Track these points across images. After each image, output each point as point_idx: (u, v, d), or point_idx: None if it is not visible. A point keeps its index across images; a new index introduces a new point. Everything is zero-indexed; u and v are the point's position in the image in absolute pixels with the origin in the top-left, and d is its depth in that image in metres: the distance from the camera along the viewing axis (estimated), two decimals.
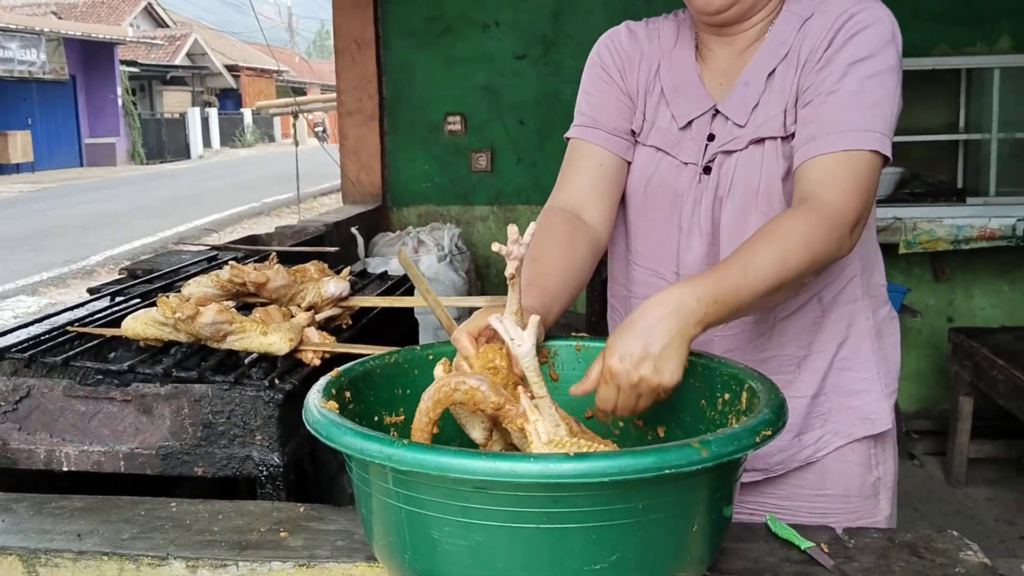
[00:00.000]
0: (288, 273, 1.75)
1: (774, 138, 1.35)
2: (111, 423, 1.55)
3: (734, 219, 1.38)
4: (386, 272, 2.43)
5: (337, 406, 1.08)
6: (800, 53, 1.35)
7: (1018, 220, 3.83)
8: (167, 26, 32.27)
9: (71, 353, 1.61)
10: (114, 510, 1.34)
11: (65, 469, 1.56)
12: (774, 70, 1.37)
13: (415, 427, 1.05)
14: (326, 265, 1.93)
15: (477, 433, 1.16)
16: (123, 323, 1.63)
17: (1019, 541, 3.41)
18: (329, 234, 3.89)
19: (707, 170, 1.40)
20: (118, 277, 2.74)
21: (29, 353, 1.60)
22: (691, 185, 1.42)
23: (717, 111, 1.41)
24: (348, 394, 1.17)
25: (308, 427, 1.05)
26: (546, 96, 4.57)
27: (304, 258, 2.29)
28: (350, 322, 1.86)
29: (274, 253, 1.98)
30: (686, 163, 1.42)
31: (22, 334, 1.73)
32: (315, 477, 1.87)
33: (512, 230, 1.08)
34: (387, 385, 1.26)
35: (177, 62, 29.27)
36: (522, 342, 1.00)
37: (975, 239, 3.87)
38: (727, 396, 1.21)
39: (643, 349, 1.09)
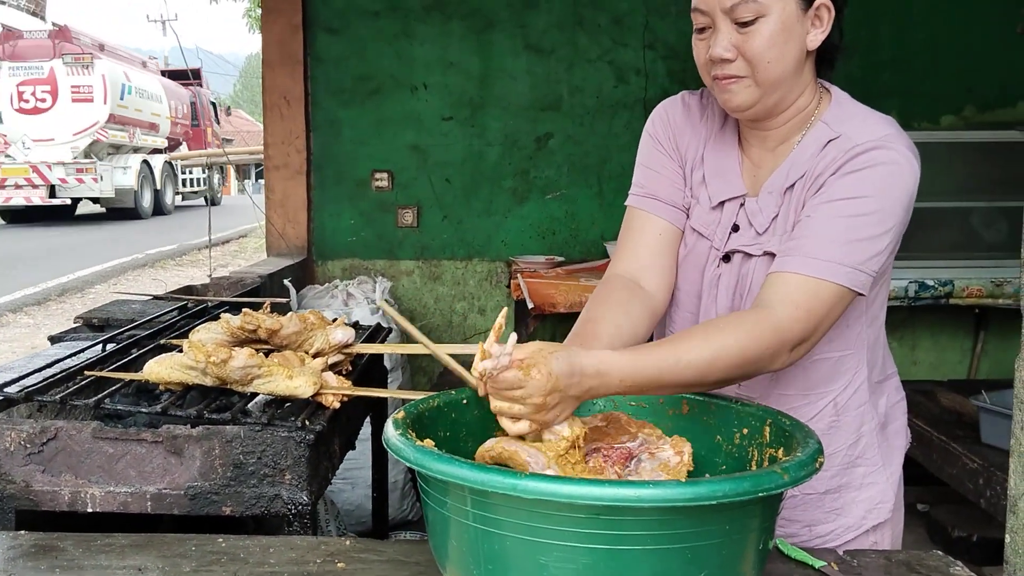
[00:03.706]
0: (300, 320, 1.82)
1: None
2: (139, 464, 1.58)
3: None
4: (357, 322, 2.51)
5: (433, 443, 1.17)
6: (815, 172, 1.40)
7: (910, 282, 4.18)
8: None
9: (101, 396, 1.64)
10: (164, 546, 1.39)
11: (90, 510, 1.59)
12: (793, 185, 1.42)
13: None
14: (322, 313, 2.00)
15: None
16: (145, 367, 1.67)
17: None
18: (264, 286, 3.92)
19: (727, 258, 1.49)
20: (74, 326, 2.74)
21: (60, 396, 1.62)
22: (711, 267, 1.50)
23: (743, 204, 1.48)
24: (413, 433, 1.26)
25: (408, 463, 1.11)
26: (471, 156, 4.74)
27: (257, 308, 2.36)
28: (350, 367, 1.94)
29: (268, 301, 2.05)
30: (711, 246, 1.50)
31: (34, 378, 1.74)
32: None
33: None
34: (432, 427, 1.35)
35: None
36: None
37: None
38: (745, 431, 1.35)
39: (564, 384, 1.16)
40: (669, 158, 1.55)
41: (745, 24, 1.34)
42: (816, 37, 1.39)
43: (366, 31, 4.65)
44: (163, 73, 22.02)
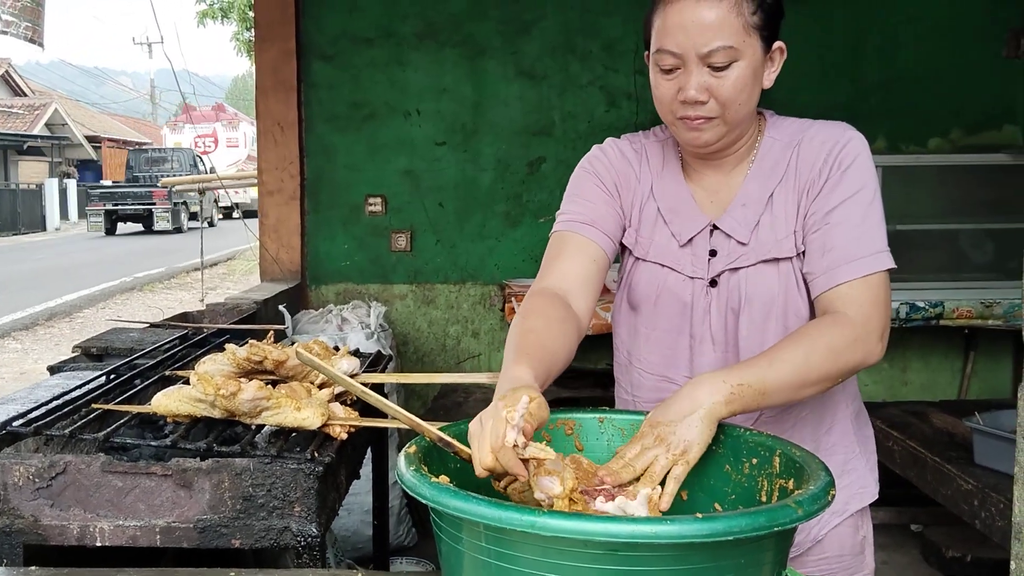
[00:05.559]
0: (306, 351, 1.83)
1: (788, 258, 1.48)
2: (148, 498, 1.59)
3: (751, 329, 1.50)
4: (358, 349, 2.52)
5: (448, 480, 1.17)
6: (799, 176, 1.48)
7: (900, 303, 4.22)
8: (25, 95, 31.23)
9: (110, 430, 1.64)
10: None
11: (99, 544, 1.59)
12: (773, 192, 1.49)
13: None
14: (326, 343, 2.01)
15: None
16: (154, 400, 1.67)
17: None
18: (259, 312, 3.92)
19: (713, 283, 1.52)
20: (73, 355, 2.73)
21: (69, 430, 1.62)
22: (699, 297, 1.53)
23: (715, 228, 1.52)
24: (425, 468, 1.26)
25: (424, 499, 1.11)
26: (464, 181, 4.77)
27: (255, 335, 2.37)
28: (355, 397, 1.95)
29: (272, 331, 2.06)
30: (692, 277, 1.53)
31: (40, 411, 1.74)
32: None
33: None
34: (442, 460, 1.36)
35: (36, 131, 28.25)
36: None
37: None
38: (755, 461, 1.36)
39: (678, 414, 1.26)
40: (609, 195, 1.58)
41: (719, 69, 1.39)
42: (770, 76, 1.48)
43: (360, 58, 4.68)
44: None
